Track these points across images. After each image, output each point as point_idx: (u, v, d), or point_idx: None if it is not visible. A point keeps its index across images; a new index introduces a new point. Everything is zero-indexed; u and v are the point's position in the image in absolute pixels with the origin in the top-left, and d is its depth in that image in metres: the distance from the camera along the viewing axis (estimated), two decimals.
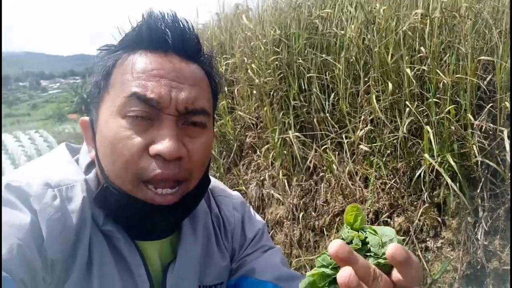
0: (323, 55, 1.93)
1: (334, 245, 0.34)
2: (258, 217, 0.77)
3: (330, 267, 0.37)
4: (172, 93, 0.54)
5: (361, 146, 1.67)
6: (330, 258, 0.37)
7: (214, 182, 0.77)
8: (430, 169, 1.53)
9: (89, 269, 0.54)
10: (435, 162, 1.41)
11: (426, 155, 1.41)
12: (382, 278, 0.35)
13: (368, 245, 0.37)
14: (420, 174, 1.65)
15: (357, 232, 0.39)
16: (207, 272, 0.67)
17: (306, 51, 2.02)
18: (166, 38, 0.57)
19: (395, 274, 0.36)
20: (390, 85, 1.56)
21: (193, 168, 0.57)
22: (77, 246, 0.53)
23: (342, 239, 0.39)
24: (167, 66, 0.56)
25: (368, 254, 0.37)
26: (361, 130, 1.71)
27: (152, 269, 0.60)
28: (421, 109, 1.48)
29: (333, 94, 1.93)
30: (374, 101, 1.60)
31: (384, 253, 0.36)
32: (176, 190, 0.56)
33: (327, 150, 1.93)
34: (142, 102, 0.53)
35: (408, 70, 1.48)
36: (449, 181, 1.41)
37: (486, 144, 1.42)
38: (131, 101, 0.53)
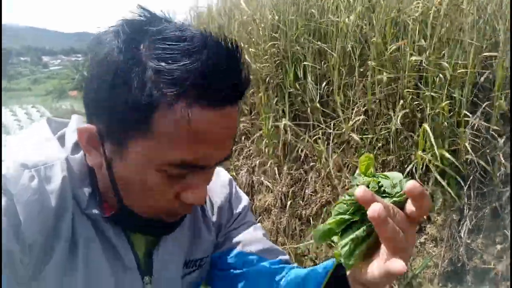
0: (319, 43, 1.90)
1: (360, 190, 0.40)
2: (243, 193, 0.78)
3: (348, 213, 0.43)
4: (216, 153, 0.50)
5: (352, 135, 1.65)
6: (347, 205, 0.43)
7: None
8: (420, 164, 1.51)
9: (73, 252, 0.53)
10: (426, 157, 1.40)
11: (420, 152, 1.40)
12: (399, 213, 0.41)
13: (382, 187, 0.43)
14: (410, 169, 1.63)
15: (372, 178, 0.44)
16: (193, 248, 0.67)
17: (302, 39, 1.98)
18: (232, 94, 0.47)
19: (408, 207, 0.41)
20: (385, 75, 1.53)
21: None
22: (58, 227, 0.51)
23: (357, 185, 0.43)
24: (223, 124, 0.47)
25: (384, 195, 0.43)
26: (353, 121, 1.69)
27: (139, 253, 0.60)
28: (416, 102, 1.46)
29: (327, 83, 1.90)
30: (370, 91, 1.58)
31: (397, 192, 0.42)
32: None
33: (318, 141, 1.91)
34: (187, 166, 0.48)
35: (410, 58, 1.46)
36: (438, 177, 1.39)
37: (479, 143, 1.40)
38: (175, 165, 0.48)
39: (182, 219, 0.61)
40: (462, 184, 1.44)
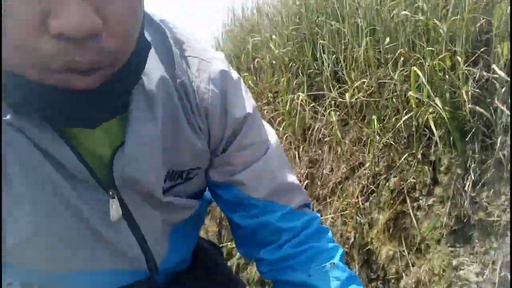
0: (333, 22, 2.01)
1: None
2: (247, 96, 0.60)
3: None
4: None
5: (360, 95, 1.70)
6: None
7: (188, 35, 0.57)
8: (423, 122, 1.52)
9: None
10: (424, 106, 1.41)
11: (412, 93, 1.42)
12: None
13: None
14: (416, 130, 1.63)
15: None
16: (178, 154, 0.54)
17: (320, 20, 2.11)
18: None
19: None
20: (387, 39, 1.59)
21: (119, 45, 0.39)
22: None
23: None
24: None
25: None
26: (359, 82, 1.74)
27: (92, 160, 0.48)
28: (415, 57, 1.49)
29: (343, 59, 1.98)
30: (371, 54, 1.64)
31: None
32: (97, 75, 0.39)
33: (331, 113, 1.97)
34: None
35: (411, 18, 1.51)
36: (434, 129, 1.40)
37: (481, 95, 1.39)
38: None
39: (113, 102, 0.44)
40: (465, 138, 1.42)
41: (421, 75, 1.34)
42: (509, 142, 1.30)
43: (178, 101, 0.53)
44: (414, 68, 1.36)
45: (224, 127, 0.57)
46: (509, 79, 1.28)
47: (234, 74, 0.59)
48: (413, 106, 1.43)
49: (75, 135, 0.47)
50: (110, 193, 0.50)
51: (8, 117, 0.41)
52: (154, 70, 0.50)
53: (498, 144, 1.34)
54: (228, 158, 0.59)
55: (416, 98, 1.44)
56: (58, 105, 0.40)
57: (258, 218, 0.60)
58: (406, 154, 1.66)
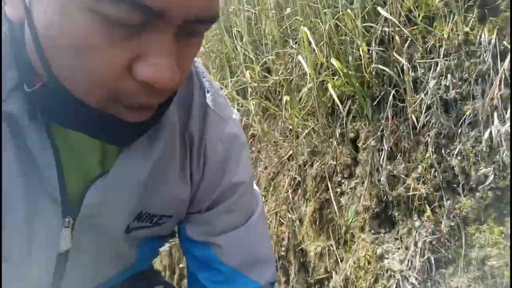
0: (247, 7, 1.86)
1: None
2: (247, 165, 0.60)
3: None
4: None
5: (273, 78, 1.52)
6: None
7: (213, 83, 0.58)
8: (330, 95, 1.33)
9: None
10: (325, 72, 1.23)
11: (303, 56, 1.23)
12: None
13: None
14: (331, 107, 1.45)
15: None
16: (156, 199, 0.52)
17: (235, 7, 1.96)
18: None
19: None
20: (288, 9, 1.43)
21: (177, 87, 0.42)
22: None
23: None
24: None
25: None
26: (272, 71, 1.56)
27: (69, 178, 0.45)
28: (314, 22, 1.32)
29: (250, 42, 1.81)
30: (277, 32, 1.47)
31: None
32: (151, 111, 0.41)
33: (250, 102, 1.79)
34: (135, 8, 0.32)
35: None
36: (335, 97, 1.21)
37: (385, 53, 1.21)
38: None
39: (147, 126, 0.44)
40: (377, 107, 1.24)
41: (309, 34, 1.16)
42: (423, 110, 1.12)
43: (179, 149, 0.53)
44: (304, 28, 1.18)
45: (216, 186, 0.57)
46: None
47: (242, 139, 0.59)
48: (309, 72, 1.25)
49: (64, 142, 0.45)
50: (68, 220, 0.46)
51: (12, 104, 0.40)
52: (168, 111, 0.49)
53: (409, 107, 1.16)
54: (210, 218, 0.58)
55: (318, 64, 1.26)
56: (102, 126, 0.40)
57: (222, 285, 0.59)
58: (325, 136, 1.47)
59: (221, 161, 0.56)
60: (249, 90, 1.80)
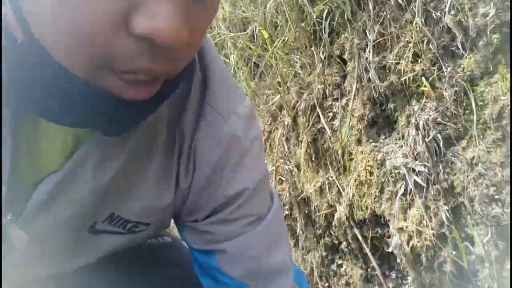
0: None
1: None
2: (257, 165, 0.49)
3: None
4: None
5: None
6: None
7: (216, 76, 0.46)
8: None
9: None
10: None
11: None
12: None
13: None
14: (311, 31, 1.32)
15: None
16: (128, 200, 0.44)
17: None
18: None
19: None
20: None
21: (186, 57, 0.34)
22: None
23: None
24: None
25: None
26: None
27: (25, 173, 0.39)
28: None
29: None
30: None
31: None
32: (155, 86, 0.34)
33: (230, 57, 1.68)
34: None
35: None
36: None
37: None
38: None
39: (147, 110, 0.36)
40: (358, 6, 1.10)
41: None
42: None
43: (163, 148, 0.44)
44: None
45: (209, 198, 0.47)
46: None
47: (246, 141, 0.47)
48: None
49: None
50: (9, 217, 0.39)
51: None
52: None
53: None
54: (211, 227, 0.49)
55: None
56: (91, 108, 0.32)
57: None
58: (310, 61, 1.33)
59: (212, 171, 0.45)
60: (228, 44, 1.70)
